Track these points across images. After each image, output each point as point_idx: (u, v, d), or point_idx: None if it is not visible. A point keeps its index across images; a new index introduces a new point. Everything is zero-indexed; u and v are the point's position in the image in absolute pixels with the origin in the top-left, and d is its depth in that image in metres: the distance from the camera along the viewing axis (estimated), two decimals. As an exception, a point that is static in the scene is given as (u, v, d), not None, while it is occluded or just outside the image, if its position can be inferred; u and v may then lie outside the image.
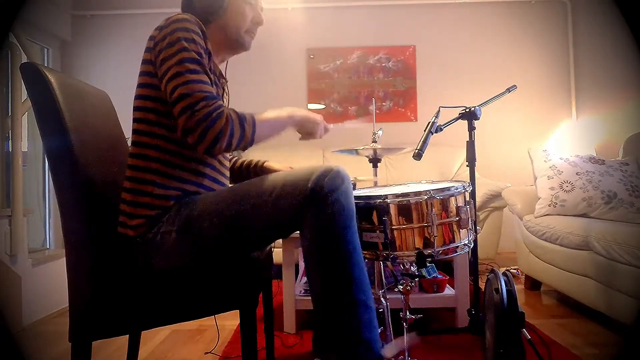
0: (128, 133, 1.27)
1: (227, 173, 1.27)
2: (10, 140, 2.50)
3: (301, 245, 1.01)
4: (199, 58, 1.04)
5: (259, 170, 1.43)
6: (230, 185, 1.10)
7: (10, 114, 2.49)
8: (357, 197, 1.12)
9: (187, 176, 1.11)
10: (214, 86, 1.13)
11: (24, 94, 2.30)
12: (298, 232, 1.02)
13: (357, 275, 0.96)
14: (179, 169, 1.09)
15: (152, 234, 1.05)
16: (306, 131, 1.25)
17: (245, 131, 1.03)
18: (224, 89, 1.27)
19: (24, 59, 2.37)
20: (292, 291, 1.94)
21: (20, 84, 2.27)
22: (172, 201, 1.07)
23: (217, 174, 1.20)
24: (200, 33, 1.08)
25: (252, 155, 1.32)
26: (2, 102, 2.64)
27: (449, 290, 2.00)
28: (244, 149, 1.35)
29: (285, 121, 1.17)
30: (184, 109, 0.98)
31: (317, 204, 0.95)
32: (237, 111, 1.04)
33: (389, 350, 1.04)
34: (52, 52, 3.54)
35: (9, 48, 2.36)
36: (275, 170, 1.42)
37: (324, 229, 0.95)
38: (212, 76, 1.10)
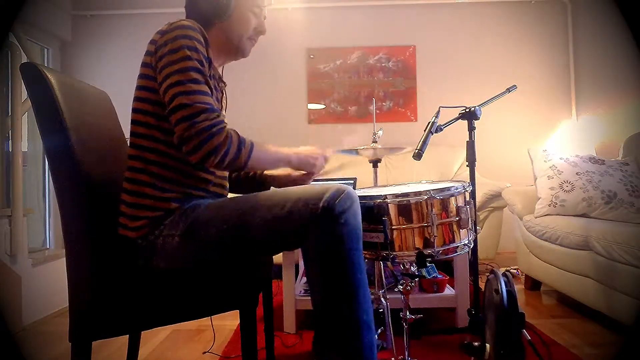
0: (128, 133, 1.27)
1: (226, 176, 1.27)
2: (10, 140, 2.50)
3: (304, 260, 1.02)
4: (200, 67, 1.04)
5: (258, 177, 1.43)
6: (239, 195, 1.10)
7: (10, 114, 2.49)
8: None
9: (189, 181, 1.11)
10: (214, 90, 1.13)
11: (24, 94, 2.30)
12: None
13: (361, 297, 0.97)
14: (178, 172, 1.09)
15: (153, 236, 1.05)
16: (304, 171, 1.26)
17: (240, 154, 1.03)
18: (223, 93, 1.27)
19: (24, 59, 2.37)
20: (292, 291, 1.94)
21: (20, 84, 2.27)
22: (174, 204, 1.07)
23: (219, 179, 1.20)
24: (203, 40, 1.08)
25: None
26: (2, 102, 2.64)
27: (449, 290, 1.99)
28: (235, 170, 1.35)
29: (282, 160, 1.17)
30: (183, 119, 0.99)
31: (327, 224, 0.95)
32: (239, 133, 1.04)
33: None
34: (52, 52, 3.54)
35: (9, 48, 2.36)
36: (276, 177, 1.42)
37: (331, 249, 0.96)
38: (212, 82, 1.10)
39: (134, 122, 1.11)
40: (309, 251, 1.00)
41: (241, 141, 1.04)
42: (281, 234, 1.00)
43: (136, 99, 1.10)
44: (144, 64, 1.09)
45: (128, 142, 1.15)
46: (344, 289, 0.97)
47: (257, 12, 1.23)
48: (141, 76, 1.09)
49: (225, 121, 1.04)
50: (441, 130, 1.45)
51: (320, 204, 0.96)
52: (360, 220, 1.01)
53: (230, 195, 1.24)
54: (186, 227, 1.04)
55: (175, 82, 1.01)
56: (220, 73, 1.27)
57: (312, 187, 1.02)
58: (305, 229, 0.97)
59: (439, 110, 1.48)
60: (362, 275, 0.98)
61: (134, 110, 1.11)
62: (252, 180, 1.43)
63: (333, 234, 0.95)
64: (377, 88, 3.70)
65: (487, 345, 1.20)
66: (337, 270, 0.97)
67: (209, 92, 1.04)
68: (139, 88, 1.10)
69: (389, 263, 1.24)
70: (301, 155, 1.21)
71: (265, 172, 1.43)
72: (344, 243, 0.96)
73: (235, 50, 1.24)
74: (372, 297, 1.50)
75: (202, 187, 1.14)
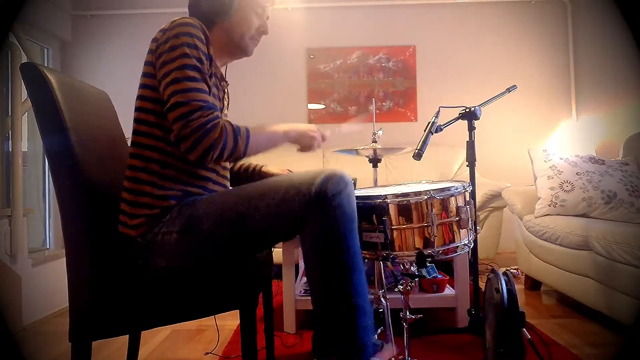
0: (128, 133, 1.28)
1: (228, 175, 1.27)
2: (10, 140, 2.50)
3: (302, 248, 1.02)
4: (199, 65, 1.04)
5: (257, 174, 1.43)
6: (233, 187, 1.10)
7: (10, 114, 2.49)
8: (357, 197, 1.12)
9: (188, 179, 1.11)
10: (215, 89, 1.13)
11: (24, 94, 2.30)
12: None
13: (356, 281, 0.98)
14: (178, 170, 1.09)
15: (152, 234, 1.05)
16: (303, 146, 1.25)
17: (237, 144, 1.04)
18: (224, 92, 1.27)
19: (24, 59, 2.37)
20: (292, 291, 1.94)
21: (20, 84, 2.27)
22: (172, 201, 1.07)
23: (220, 177, 1.21)
24: (204, 38, 1.08)
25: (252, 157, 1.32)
26: (2, 102, 2.64)
27: (449, 290, 1.99)
28: (236, 160, 1.35)
29: (280, 137, 1.17)
30: (179, 117, 0.99)
31: (320, 208, 0.95)
32: (232, 123, 1.04)
33: (387, 352, 1.05)
34: (52, 52, 3.54)
35: (9, 48, 2.36)
36: (273, 175, 1.42)
37: (326, 233, 0.96)
38: (211, 81, 1.10)
39: (136, 120, 1.11)
40: (306, 237, 0.99)
41: (236, 131, 1.04)
42: (276, 222, 1.00)
43: (139, 97, 1.11)
44: (146, 63, 1.09)
45: (129, 142, 1.15)
46: (338, 273, 0.97)
47: (260, 12, 1.23)
48: (144, 74, 1.10)
49: (220, 115, 1.04)
50: (441, 130, 1.46)
51: (313, 189, 0.96)
52: (354, 203, 1.01)
53: None
54: (183, 223, 1.04)
55: (172, 80, 1.01)
56: (223, 72, 1.27)
57: (305, 172, 1.02)
58: (300, 215, 0.97)
59: (439, 110, 1.48)
60: (357, 259, 0.99)
61: (136, 109, 1.11)
62: (251, 177, 1.43)
63: (327, 218, 0.96)
64: (377, 88, 3.70)
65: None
66: (331, 254, 0.97)
67: (207, 90, 1.05)
68: (141, 86, 1.10)
69: (389, 263, 1.24)
70: (299, 129, 1.20)
71: (264, 169, 1.43)
72: (339, 227, 0.96)
73: (237, 49, 1.24)
74: (372, 297, 1.51)
75: (202, 185, 1.14)
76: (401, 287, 1.31)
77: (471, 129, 1.53)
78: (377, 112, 3.65)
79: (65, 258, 1.08)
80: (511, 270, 3.02)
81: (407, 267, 1.27)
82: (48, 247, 3.35)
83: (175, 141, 1.01)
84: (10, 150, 2.50)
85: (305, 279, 2.21)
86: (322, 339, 0.99)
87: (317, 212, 0.96)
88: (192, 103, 1.00)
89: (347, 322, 0.96)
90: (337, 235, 0.96)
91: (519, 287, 2.66)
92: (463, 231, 1.19)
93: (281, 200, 0.98)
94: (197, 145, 0.99)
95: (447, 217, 1.17)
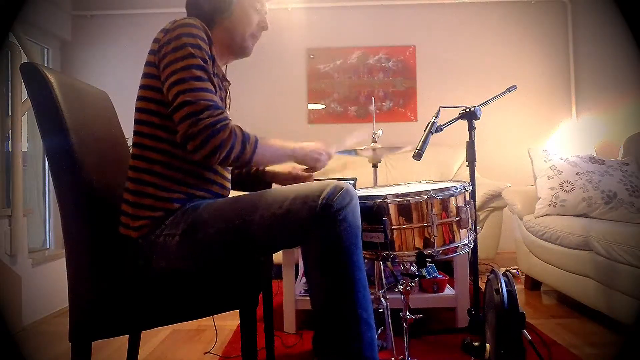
0: (127, 133, 1.27)
1: (229, 177, 1.27)
2: (10, 140, 2.50)
3: (303, 259, 1.02)
4: (204, 65, 1.03)
5: (261, 174, 1.42)
6: (239, 195, 1.10)
7: (10, 114, 2.49)
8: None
9: (192, 181, 1.10)
10: (218, 89, 1.12)
11: (24, 94, 2.30)
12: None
13: (360, 294, 0.97)
14: (182, 172, 1.09)
15: (154, 236, 1.05)
16: (308, 165, 1.25)
17: (245, 150, 1.03)
18: (227, 92, 1.27)
19: (24, 59, 2.37)
20: (292, 291, 1.94)
21: (20, 84, 2.27)
22: (176, 204, 1.07)
23: (223, 179, 1.20)
24: (206, 39, 1.08)
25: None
26: (2, 102, 2.64)
27: (449, 290, 2.00)
28: (239, 167, 1.35)
29: (287, 154, 1.17)
30: (187, 116, 0.98)
31: (325, 221, 0.95)
32: (242, 129, 1.04)
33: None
34: (52, 52, 3.54)
35: (9, 48, 2.36)
36: (277, 173, 1.41)
37: (330, 246, 0.96)
38: (216, 81, 1.10)
39: (137, 121, 1.10)
40: (308, 249, 0.99)
41: (245, 137, 1.03)
42: (281, 233, 1.00)
43: (140, 98, 1.10)
44: (148, 63, 1.09)
45: (129, 142, 1.15)
46: (343, 288, 0.96)
47: (259, 8, 1.23)
48: (145, 75, 1.09)
49: (229, 118, 1.04)
50: (441, 130, 1.45)
51: (319, 202, 0.96)
52: (359, 217, 1.01)
53: (231, 193, 1.24)
54: (186, 226, 1.03)
55: (179, 80, 1.00)
56: (224, 72, 1.27)
57: (311, 184, 1.02)
58: (304, 227, 0.97)
59: (439, 110, 1.48)
60: (361, 274, 0.98)
61: (138, 110, 1.10)
62: (253, 177, 1.43)
63: (332, 231, 0.95)
64: (377, 88, 3.70)
65: (487, 345, 1.20)
66: (336, 268, 0.97)
67: (213, 90, 1.04)
68: (142, 87, 1.10)
69: (389, 263, 1.24)
70: (305, 149, 1.20)
71: (267, 168, 1.43)
72: (343, 241, 0.96)
73: (238, 48, 1.24)
74: (372, 297, 1.50)
75: (205, 188, 1.13)
76: (401, 287, 1.31)
77: (471, 129, 1.52)
78: (377, 112, 3.65)
79: (65, 258, 1.08)
80: (511, 270, 3.02)
81: (407, 267, 1.27)
82: (48, 247, 3.35)
83: (181, 140, 1.00)
84: (10, 150, 2.50)
85: (305, 279, 2.21)
86: (324, 351, 0.99)
87: (322, 225, 0.95)
88: (200, 102, 0.99)
89: (351, 336, 0.96)
90: (342, 249, 0.96)
91: (519, 287, 2.66)
92: (463, 231, 1.19)
93: (287, 211, 0.98)
94: (205, 145, 0.98)
95: (447, 217, 1.17)
